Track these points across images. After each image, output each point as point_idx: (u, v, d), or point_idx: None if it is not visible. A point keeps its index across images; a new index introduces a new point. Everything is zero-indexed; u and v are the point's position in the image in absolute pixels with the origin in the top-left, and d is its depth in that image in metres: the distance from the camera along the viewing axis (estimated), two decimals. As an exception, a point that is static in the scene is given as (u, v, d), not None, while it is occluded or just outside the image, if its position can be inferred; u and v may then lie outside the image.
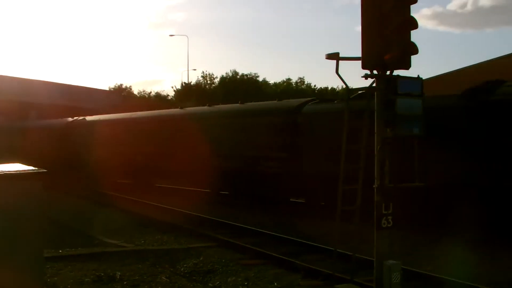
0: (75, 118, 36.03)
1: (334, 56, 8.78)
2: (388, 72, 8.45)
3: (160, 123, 28.70)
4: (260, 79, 78.19)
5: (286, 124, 21.29)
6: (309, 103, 21.47)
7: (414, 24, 8.45)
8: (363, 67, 8.43)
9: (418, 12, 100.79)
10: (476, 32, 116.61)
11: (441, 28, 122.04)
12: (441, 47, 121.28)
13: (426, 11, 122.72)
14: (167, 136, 27.11)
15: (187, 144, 25.02)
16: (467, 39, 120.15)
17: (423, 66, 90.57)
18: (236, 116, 24.59)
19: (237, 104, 25.61)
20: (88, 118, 35.30)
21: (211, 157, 23.49)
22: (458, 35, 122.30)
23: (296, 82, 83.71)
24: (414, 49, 8.44)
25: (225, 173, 23.29)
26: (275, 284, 10.72)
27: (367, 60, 8.38)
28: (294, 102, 22.58)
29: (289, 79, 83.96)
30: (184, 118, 27.51)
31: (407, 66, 8.48)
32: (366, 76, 8.52)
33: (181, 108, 29.95)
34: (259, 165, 22.09)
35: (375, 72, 8.45)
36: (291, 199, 21.96)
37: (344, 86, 9.35)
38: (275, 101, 24.76)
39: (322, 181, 18.55)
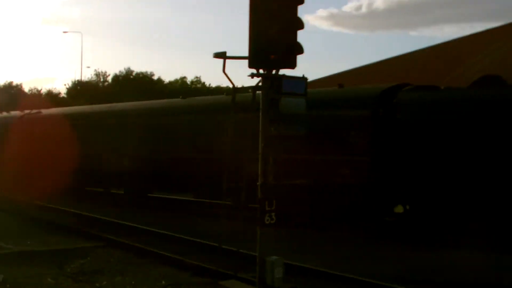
0: (26, 111, 30.67)
1: (221, 55, 8.87)
2: (274, 71, 8.62)
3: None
4: (155, 77, 77.38)
5: (367, 118, 15.71)
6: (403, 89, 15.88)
7: (300, 24, 8.67)
8: (250, 66, 8.58)
9: (314, 13, 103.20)
10: (370, 34, 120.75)
11: (336, 28, 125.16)
12: (336, 47, 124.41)
13: (322, 12, 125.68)
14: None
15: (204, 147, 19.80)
16: (361, 40, 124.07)
17: (317, 66, 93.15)
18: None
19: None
20: (44, 111, 30.01)
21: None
22: (353, 36, 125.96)
23: (192, 81, 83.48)
24: (299, 49, 8.66)
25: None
26: (163, 282, 10.66)
27: (253, 59, 8.53)
28: (375, 89, 16.42)
29: (184, 78, 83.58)
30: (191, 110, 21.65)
31: (292, 65, 8.68)
32: (252, 75, 8.66)
33: (182, 98, 23.06)
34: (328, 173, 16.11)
35: (261, 71, 8.59)
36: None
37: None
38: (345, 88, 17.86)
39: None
